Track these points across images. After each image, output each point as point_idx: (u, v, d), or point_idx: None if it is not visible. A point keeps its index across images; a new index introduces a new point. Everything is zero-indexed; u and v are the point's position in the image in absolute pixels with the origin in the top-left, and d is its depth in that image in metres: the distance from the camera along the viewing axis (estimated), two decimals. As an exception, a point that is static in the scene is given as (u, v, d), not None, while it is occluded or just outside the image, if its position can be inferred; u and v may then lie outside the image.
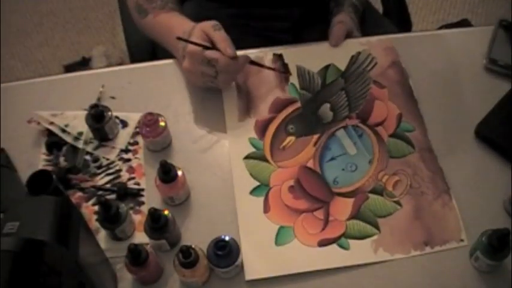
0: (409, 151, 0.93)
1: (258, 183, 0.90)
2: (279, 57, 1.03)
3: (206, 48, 0.89)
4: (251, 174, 0.91)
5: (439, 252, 0.84)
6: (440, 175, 0.91)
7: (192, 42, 0.89)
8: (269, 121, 0.96)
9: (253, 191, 0.89)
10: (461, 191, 0.89)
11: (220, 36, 0.90)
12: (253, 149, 0.93)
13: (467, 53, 1.05)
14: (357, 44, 1.05)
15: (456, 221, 0.86)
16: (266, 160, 0.92)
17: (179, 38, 0.91)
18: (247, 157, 0.92)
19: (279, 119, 0.96)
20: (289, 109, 0.97)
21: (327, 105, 0.98)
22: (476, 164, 0.92)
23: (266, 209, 0.87)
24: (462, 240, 0.85)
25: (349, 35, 1.06)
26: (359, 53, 1.04)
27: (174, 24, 0.99)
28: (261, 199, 0.88)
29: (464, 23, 2.05)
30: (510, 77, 1.01)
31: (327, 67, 1.02)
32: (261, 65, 1.00)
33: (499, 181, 0.90)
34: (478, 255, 0.80)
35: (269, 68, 1.00)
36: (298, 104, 0.98)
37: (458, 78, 1.03)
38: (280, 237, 0.85)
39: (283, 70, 1.01)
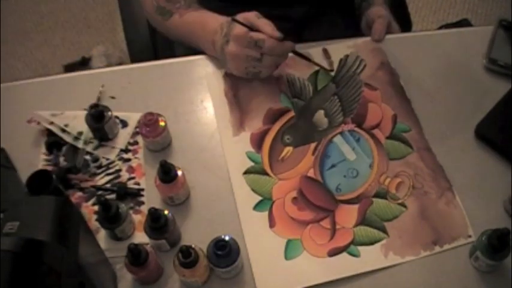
0: (408, 151, 0.93)
1: (260, 198, 0.89)
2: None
3: (252, 30, 0.90)
4: (252, 189, 0.89)
5: (439, 253, 0.84)
6: (441, 173, 0.91)
7: (241, 23, 0.90)
8: (264, 133, 0.95)
9: (257, 206, 0.88)
10: (461, 191, 0.89)
11: (265, 22, 0.92)
12: (252, 163, 0.92)
13: (467, 53, 1.05)
14: (344, 47, 1.05)
15: (462, 218, 0.87)
16: (266, 173, 0.91)
17: (234, 19, 0.92)
18: (246, 172, 0.91)
19: (274, 130, 0.96)
20: (284, 119, 0.97)
21: (321, 112, 0.97)
22: (476, 164, 0.92)
23: (271, 223, 0.86)
24: (470, 236, 0.85)
25: (388, 28, 1.07)
26: (347, 56, 1.04)
27: (207, 19, 0.99)
28: (265, 214, 0.87)
29: (464, 23, 2.05)
30: (510, 77, 1.01)
31: (316, 73, 1.02)
32: (305, 57, 0.99)
33: (499, 181, 0.90)
34: (478, 255, 0.80)
35: (313, 62, 0.99)
36: (292, 113, 0.97)
37: (458, 78, 1.03)
38: (289, 251, 0.84)
39: (328, 68, 1.00)
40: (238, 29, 0.91)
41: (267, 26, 0.91)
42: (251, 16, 0.92)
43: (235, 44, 0.92)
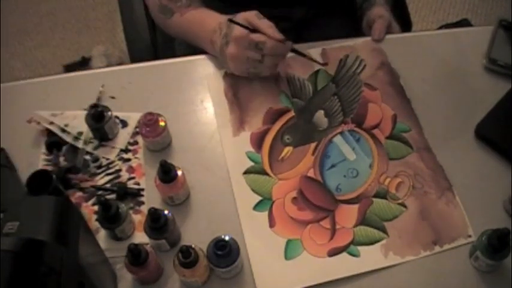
0: (408, 151, 0.93)
1: (260, 198, 0.89)
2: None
3: (253, 32, 0.90)
4: (252, 189, 0.89)
5: (439, 252, 0.84)
6: (441, 173, 0.91)
7: (240, 25, 0.90)
8: (264, 133, 0.95)
9: (257, 206, 0.88)
10: (461, 191, 0.89)
11: (266, 23, 0.91)
12: (252, 163, 0.92)
13: (467, 53, 1.05)
14: (344, 47, 1.05)
15: (462, 218, 0.87)
16: (266, 173, 0.91)
17: (231, 20, 0.91)
18: (246, 172, 0.91)
19: (274, 130, 0.96)
20: (284, 119, 0.97)
21: (321, 112, 0.97)
22: (476, 164, 0.92)
23: (271, 223, 0.86)
24: (470, 236, 0.85)
25: (388, 28, 1.07)
26: (347, 56, 1.04)
27: (206, 18, 0.99)
28: (265, 214, 0.87)
29: (464, 23, 2.05)
30: (510, 76, 1.01)
31: (316, 72, 1.02)
32: (303, 54, 0.99)
33: (499, 181, 0.90)
34: (478, 255, 0.80)
35: (310, 58, 0.99)
36: (292, 113, 0.97)
37: (458, 78, 1.03)
38: (289, 251, 0.84)
39: (322, 62, 1.00)
40: (238, 31, 0.90)
41: (267, 28, 0.90)
42: (251, 16, 0.92)
43: (235, 45, 0.91)
